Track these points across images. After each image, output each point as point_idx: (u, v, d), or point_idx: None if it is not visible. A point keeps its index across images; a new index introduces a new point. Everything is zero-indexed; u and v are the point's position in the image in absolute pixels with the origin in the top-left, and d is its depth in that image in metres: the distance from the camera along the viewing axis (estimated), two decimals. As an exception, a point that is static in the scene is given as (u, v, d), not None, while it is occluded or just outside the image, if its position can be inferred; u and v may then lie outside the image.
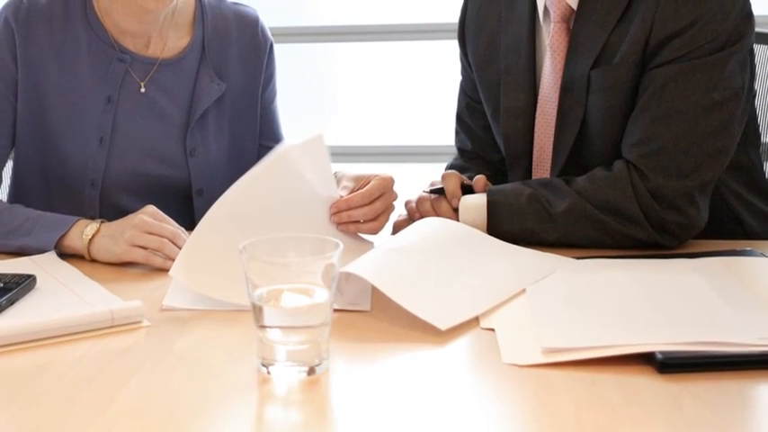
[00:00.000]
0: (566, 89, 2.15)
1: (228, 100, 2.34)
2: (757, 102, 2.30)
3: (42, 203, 2.23)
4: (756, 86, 2.24)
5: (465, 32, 2.44)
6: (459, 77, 2.51)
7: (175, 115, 2.30)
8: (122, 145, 2.27)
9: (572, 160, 2.15)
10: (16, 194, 2.36)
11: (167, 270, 1.81)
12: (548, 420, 1.32)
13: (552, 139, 2.18)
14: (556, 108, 2.17)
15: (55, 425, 1.32)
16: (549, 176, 2.19)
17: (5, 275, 1.82)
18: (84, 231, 2.02)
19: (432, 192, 2.15)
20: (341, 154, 3.37)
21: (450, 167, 2.40)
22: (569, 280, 1.79)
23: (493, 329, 1.61)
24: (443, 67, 3.48)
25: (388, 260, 1.79)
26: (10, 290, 1.75)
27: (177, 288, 1.80)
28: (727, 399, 1.36)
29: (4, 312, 1.70)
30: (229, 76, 2.35)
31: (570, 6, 2.15)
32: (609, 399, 1.35)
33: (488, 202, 2.07)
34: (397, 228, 2.15)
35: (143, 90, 2.29)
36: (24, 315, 1.69)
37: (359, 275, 1.68)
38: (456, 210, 2.10)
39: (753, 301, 1.63)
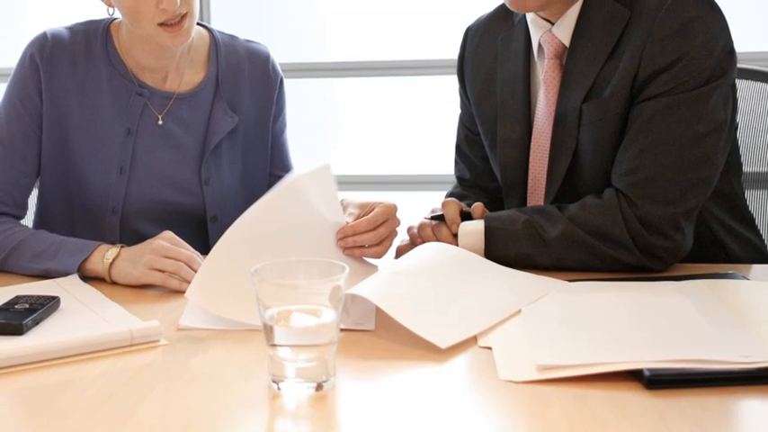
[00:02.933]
0: (559, 122, 2.16)
1: (241, 132, 2.35)
2: (739, 133, 2.30)
3: (66, 229, 2.25)
4: (738, 119, 2.24)
5: (464, 68, 2.45)
6: (458, 111, 2.52)
7: (191, 146, 2.31)
8: (141, 174, 2.28)
9: (565, 188, 2.16)
10: (41, 221, 2.37)
11: (183, 292, 1.82)
12: (542, 433, 1.33)
13: (546, 169, 2.19)
14: (549, 139, 2.18)
15: (78, 437, 1.32)
16: (543, 204, 2.20)
17: (31, 297, 1.82)
18: (105, 255, 2.03)
19: (432, 218, 2.16)
20: (347, 182, 3.37)
21: (449, 195, 2.41)
22: (562, 301, 1.79)
23: (490, 348, 1.61)
24: (443, 101, 3.49)
25: (392, 282, 1.79)
26: (35, 310, 1.75)
27: (193, 309, 1.81)
28: (712, 413, 1.36)
29: (29, 332, 1.71)
30: (242, 109, 2.35)
31: (563, 44, 2.16)
32: (599, 413, 1.35)
33: (486, 227, 2.08)
34: (400, 252, 2.16)
35: (160, 122, 2.30)
36: (49, 334, 1.69)
37: (364, 297, 1.69)
38: (455, 235, 2.11)
39: (735, 321, 1.63)
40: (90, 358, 1.60)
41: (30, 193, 2.33)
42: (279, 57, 2.46)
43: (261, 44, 2.45)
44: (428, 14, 4.61)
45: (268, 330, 1.43)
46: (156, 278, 1.97)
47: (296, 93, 2.79)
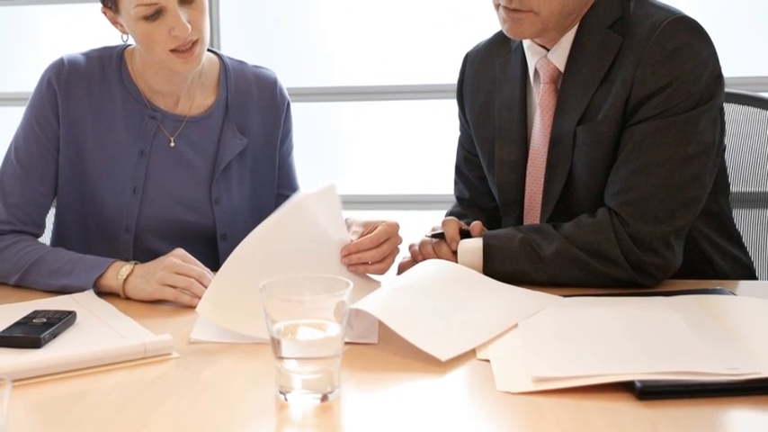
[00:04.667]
0: (554, 144, 2.16)
1: (250, 153, 2.36)
2: (727, 155, 2.31)
3: (82, 246, 2.25)
4: (726, 141, 2.25)
5: (463, 93, 2.46)
6: (458, 133, 2.52)
7: (202, 167, 2.32)
8: (154, 194, 2.29)
9: (559, 208, 2.17)
10: (58, 238, 2.38)
11: (194, 307, 1.83)
12: (538, 442, 1.33)
13: (542, 189, 2.20)
14: (545, 161, 2.18)
15: (94, 446, 1.33)
16: (538, 222, 2.21)
17: (48, 312, 1.83)
18: (119, 272, 2.04)
19: (433, 236, 2.16)
20: (351, 202, 3.38)
21: (449, 214, 2.42)
22: (557, 315, 1.80)
23: (488, 360, 1.62)
24: (443, 124, 3.50)
25: (394, 298, 1.80)
26: (53, 325, 1.76)
27: (203, 323, 1.81)
28: (700, 423, 1.36)
29: (47, 345, 1.72)
30: (250, 131, 2.36)
31: (558, 69, 2.17)
32: (593, 423, 1.36)
33: (484, 245, 2.08)
34: (402, 269, 2.16)
35: (172, 144, 2.30)
36: (65, 347, 1.70)
37: (367, 312, 1.69)
38: (455, 252, 2.11)
39: (723, 334, 1.64)
40: (105, 370, 1.61)
41: (47, 211, 2.34)
42: (285, 81, 2.46)
43: (268, 69, 2.46)
44: (428, 41, 4.62)
45: (275, 343, 1.44)
46: (168, 294, 1.98)
47: (302, 116, 2.80)
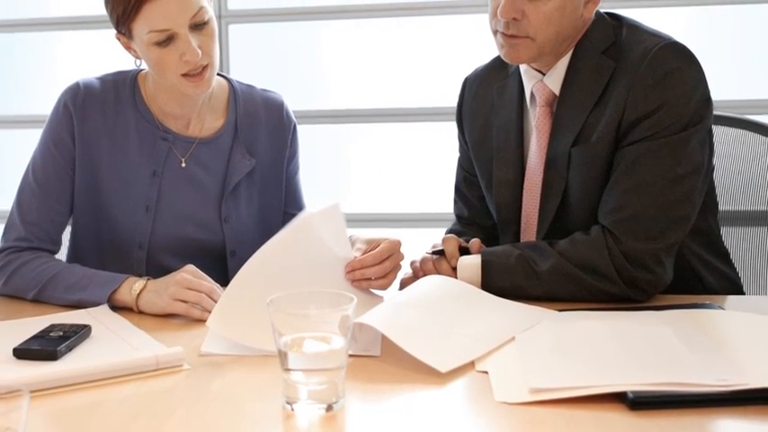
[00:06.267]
0: (549, 164, 2.17)
1: (258, 173, 2.36)
2: (715, 175, 2.31)
3: (96, 263, 2.26)
4: (714, 162, 2.25)
5: (462, 115, 2.46)
6: (457, 154, 2.53)
7: (212, 187, 2.32)
8: (166, 213, 2.30)
9: (555, 226, 2.17)
10: (74, 255, 2.38)
11: (205, 321, 1.83)
12: (534, 451, 1.34)
13: (538, 208, 2.20)
14: (541, 181, 2.19)
15: (108, 454, 1.34)
16: (535, 240, 2.21)
17: (65, 325, 1.84)
18: (132, 287, 2.05)
19: (433, 253, 2.17)
20: (355, 220, 3.37)
21: (449, 232, 2.42)
22: (553, 329, 1.80)
23: (486, 372, 1.62)
24: (443, 145, 3.50)
25: (396, 312, 1.80)
26: (69, 338, 1.77)
27: (213, 336, 1.82)
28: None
29: (63, 357, 1.72)
30: (258, 152, 2.37)
31: (553, 93, 2.18)
32: (587, 432, 1.37)
33: (482, 261, 2.09)
34: (404, 284, 2.16)
35: (184, 165, 2.31)
36: (81, 359, 1.71)
37: (370, 325, 1.70)
38: (455, 269, 2.11)
39: (711, 347, 1.64)
40: (118, 382, 1.62)
41: (63, 229, 2.34)
42: (292, 104, 2.47)
43: (276, 93, 2.46)
44: (429, 66, 4.63)
45: (282, 356, 1.45)
46: (179, 308, 1.98)
47: (308, 137, 2.81)
